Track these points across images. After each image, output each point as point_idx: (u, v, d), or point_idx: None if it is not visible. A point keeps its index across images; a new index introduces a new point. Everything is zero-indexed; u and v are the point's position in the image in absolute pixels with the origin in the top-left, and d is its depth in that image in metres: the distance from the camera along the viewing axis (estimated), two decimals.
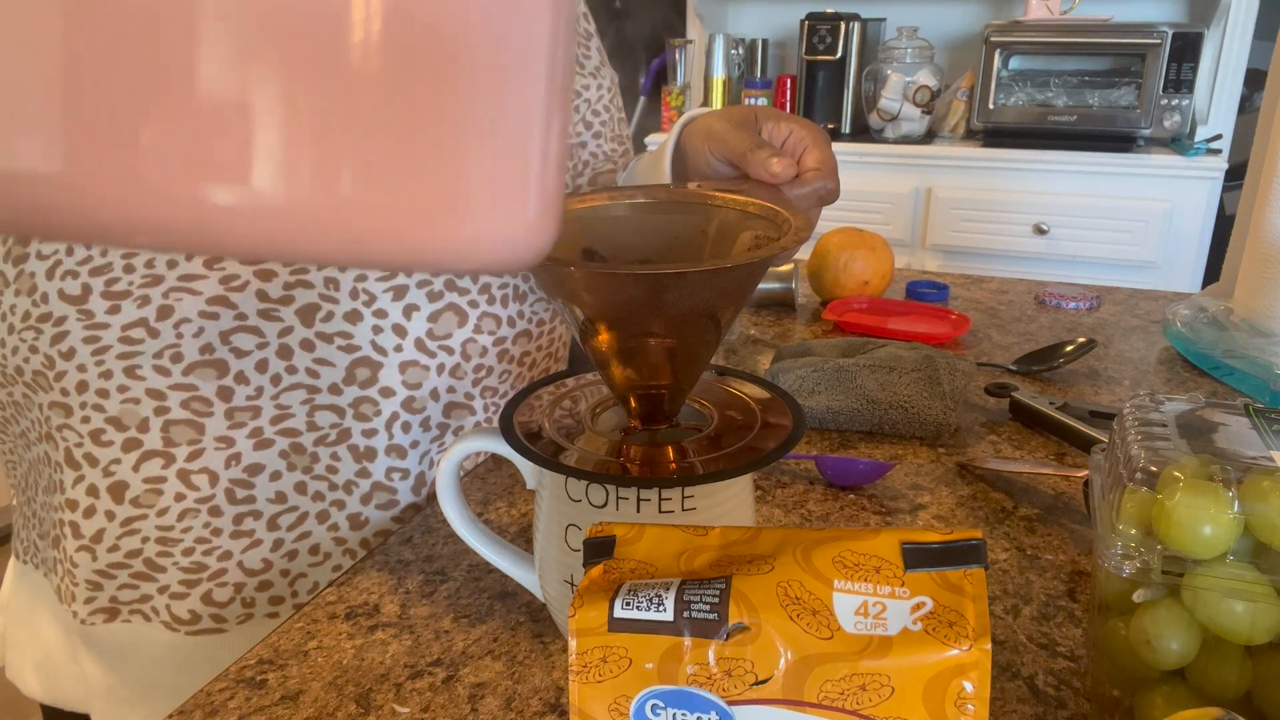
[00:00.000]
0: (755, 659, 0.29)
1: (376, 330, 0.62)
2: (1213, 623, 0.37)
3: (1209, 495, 0.36)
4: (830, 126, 2.45)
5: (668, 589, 0.30)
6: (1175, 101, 2.09)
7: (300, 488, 0.63)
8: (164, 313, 0.57)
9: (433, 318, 0.63)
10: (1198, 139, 2.14)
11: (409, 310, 0.62)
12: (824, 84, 2.43)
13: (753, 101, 2.51)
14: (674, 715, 0.30)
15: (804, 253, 1.09)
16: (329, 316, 0.60)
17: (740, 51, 2.57)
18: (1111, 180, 2.10)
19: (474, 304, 0.65)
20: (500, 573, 0.55)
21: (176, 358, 0.58)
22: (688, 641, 0.29)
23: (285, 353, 0.60)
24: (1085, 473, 0.64)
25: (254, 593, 0.63)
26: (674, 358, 0.44)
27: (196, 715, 0.46)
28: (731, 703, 0.29)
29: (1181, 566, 0.37)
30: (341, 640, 0.51)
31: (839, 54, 2.37)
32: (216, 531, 0.61)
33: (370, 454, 0.64)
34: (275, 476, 0.62)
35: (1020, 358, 0.90)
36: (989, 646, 0.28)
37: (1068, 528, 0.61)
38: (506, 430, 0.45)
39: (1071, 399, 0.78)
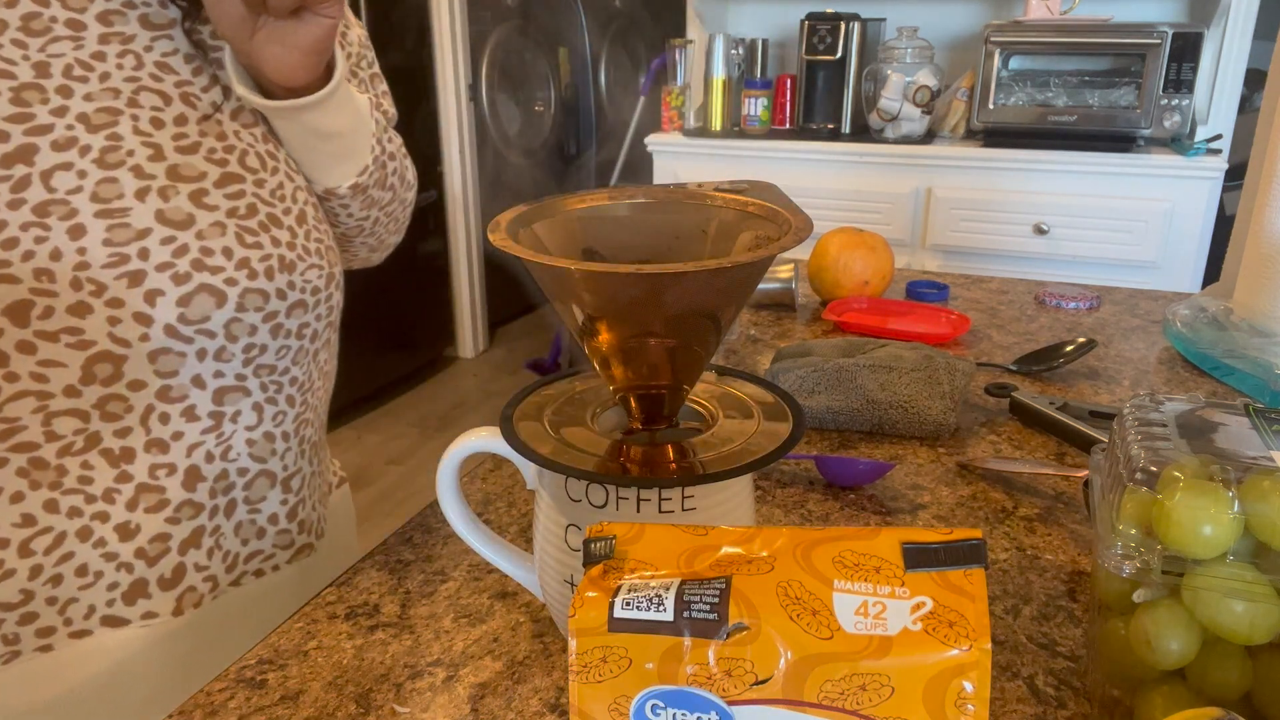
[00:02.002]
0: (755, 659, 0.29)
1: (113, 321, 0.55)
2: (1213, 623, 0.37)
3: (1209, 495, 0.36)
4: (830, 126, 2.45)
5: (668, 589, 0.30)
6: (1175, 101, 2.09)
7: (50, 506, 0.56)
8: None
9: (182, 301, 0.56)
10: (1198, 139, 2.13)
11: (151, 296, 0.55)
12: (824, 84, 2.43)
13: (752, 101, 2.50)
14: (674, 715, 0.30)
15: (804, 252, 1.09)
16: (48, 313, 0.53)
17: (740, 51, 2.57)
18: (1111, 180, 2.10)
19: (232, 281, 0.58)
20: (500, 573, 0.55)
21: None
22: (688, 641, 0.29)
23: None
24: (1085, 473, 0.64)
25: (16, 628, 0.57)
26: (674, 357, 0.44)
27: (196, 715, 0.46)
28: (731, 703, 0.29)
29: (1181, 566, 0.37)
30: (341, 640, 0.51)
31: (839, 54, 2.37)
32: None
33: (128, 454, 0.58)
34: (17, 498, 0.55)
35: (1020, 358, 0.90)
36: (989, 646, 0.28)
37: (1068, 528, 0.61)
38: (506, 430, 0.45)
39: (1071, 399, 0.78)
